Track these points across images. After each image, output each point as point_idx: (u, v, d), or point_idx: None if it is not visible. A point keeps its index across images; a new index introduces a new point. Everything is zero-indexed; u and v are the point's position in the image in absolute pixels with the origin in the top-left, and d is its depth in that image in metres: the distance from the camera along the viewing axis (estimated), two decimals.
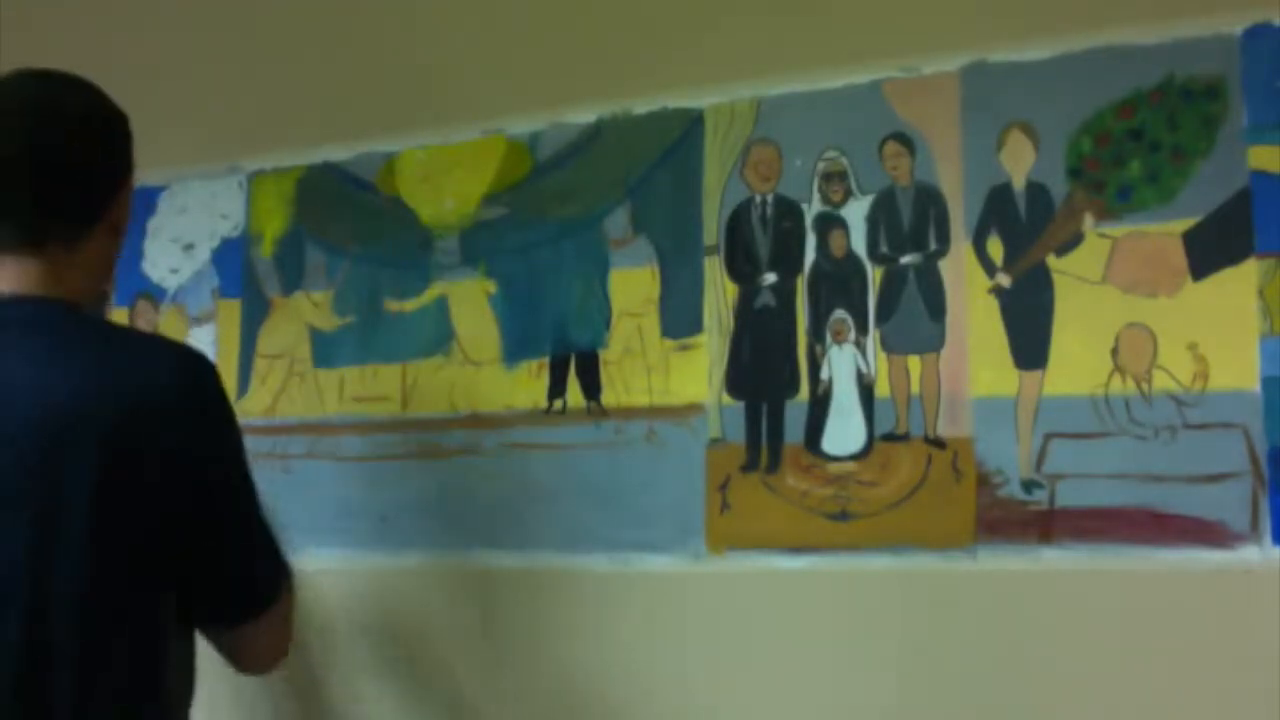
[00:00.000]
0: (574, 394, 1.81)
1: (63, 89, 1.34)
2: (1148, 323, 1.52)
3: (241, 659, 1.41)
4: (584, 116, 1.84)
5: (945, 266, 1.63)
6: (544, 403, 1.83)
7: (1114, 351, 1.53)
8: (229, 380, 1.96)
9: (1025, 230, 1.59)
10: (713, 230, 1.75)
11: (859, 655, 1.61)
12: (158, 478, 1.27)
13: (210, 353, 1.98)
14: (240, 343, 2.03)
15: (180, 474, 1.28)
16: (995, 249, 1.60)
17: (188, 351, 1.36)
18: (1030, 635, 1.54)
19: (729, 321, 1.73)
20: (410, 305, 1.92)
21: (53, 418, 1.24)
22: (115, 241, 1.40)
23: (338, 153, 2.00)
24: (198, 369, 1.34)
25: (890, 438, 1.63)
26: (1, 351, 1.28)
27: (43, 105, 1.31)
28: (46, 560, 1.23)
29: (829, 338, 1.67)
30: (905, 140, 1.66)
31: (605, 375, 1.79)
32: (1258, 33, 1.51)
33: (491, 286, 1.88)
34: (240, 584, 1.36)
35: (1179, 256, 1.52)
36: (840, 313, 1.67)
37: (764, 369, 1.70)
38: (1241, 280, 1.49)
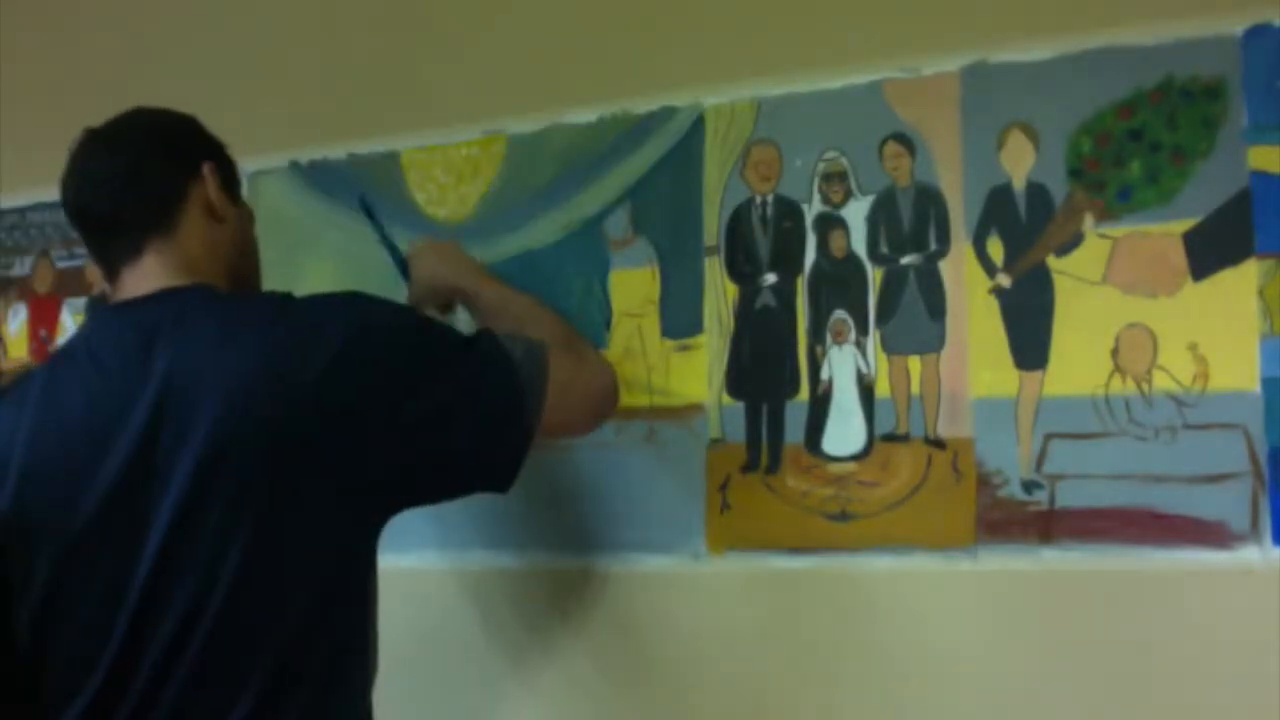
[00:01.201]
0: None
1: (108, 141, 1.45)
2: (1148, 323, 1.52)
3: (565, 433, 1.57)
4: (584, 116, 1.84)
5: (945, 267, 1.63)
6: None
7: (1114, 352, 1.53)
8: None
9: (1025, 231, 1.59)
10: (713, 230, 1.75)
11: (859, 656, 1.61)
12: (368, 434, 1.30)
13: None
14: None
15: (382, 417, 1.31)
16: (995, 249, 1.60)
17: (343, 297, 1.40)
18: (1030, 635, 1.54)
19: (729, 322, 1.73)
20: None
21: (245, 400, 1.27)
22: (221, 229, 1.46)
23: (337, 153, 2.00)
24: (357, 309, 1.37)
25: (890, 438, 1.63)
26: (166, 347, 1.31)
27: (87, 168, 1.44)
28: (265, 544, 1.26)
29: (829, 338, 1.67)
30: (905, 140, 1.66)
31: None
32: (1258, 33, 1.50)
33: None
34: (490, 453, 1.42)
35: (1179, 257, 1.52)
36: (840, 313, 1.67)
37: (764, 369, 1.70)
38: (1241, 280, 1.49)
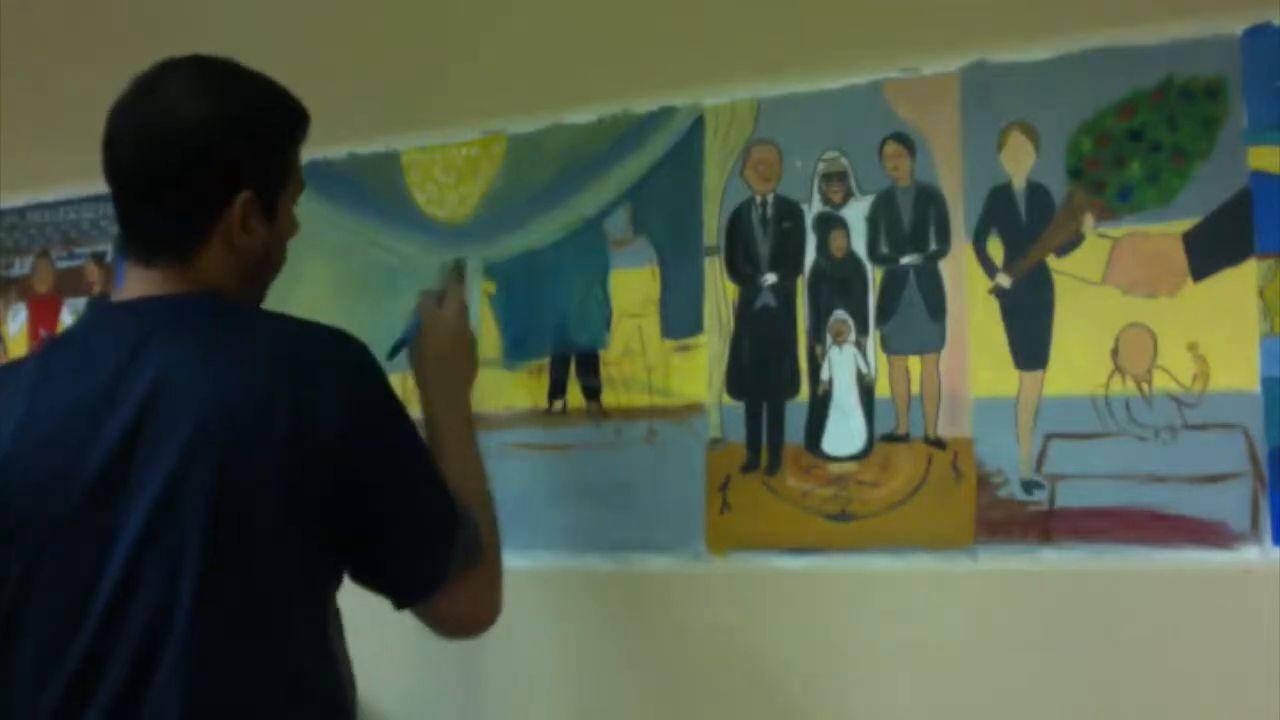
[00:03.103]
0: (574, 394, 1.81)
1: (186, 97, 1.34)
2: (1148, 323, 1.52)
3: (443, 628, 1.42)
4: (584, 116, 1.84)
5: (945, 267, 1.63)
6: (544, 403, 1.83)
7: (1114, 352, 1.53)
8: None
9: (1025, 230, 1.59)
10: (713, 230, 1.75)
11: (859, 656, 1.61)
12: (326, 468, 1.28)
13: None
14: None
15: (345, 461, 1.29)
16: (995, 249, 1.60)
17: (336, 333, 1.36)
18: (1030, 635, 1.54)
19: (729, 322, 1.73)
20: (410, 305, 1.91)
21: (224, 416, 1.25)
22: (246, 247, 1.38)
23: (337, 153, 2.00)
24: (350, 350, 1.35)
25: (890, 438, 1.63)
26: (159, 349, 1.29)
27: (153, 125, 1.34)
28: (224, 561, 1.24)
29: (829, 338, 1.67)
30: (905, 140, 1.66)
31: (605, 376, 1.79)
32: (1258, 33, 1.50)
33: (491, 287, 1.88)
34: (419, 557, 1.35)
35: (1179, 257, 1.52)
36: (840, 313, 1.67)
37: (764, 369, 1.70)
38: (1241, 280, 1.49)
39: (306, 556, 1.29)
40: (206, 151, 1.33)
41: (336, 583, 1.36)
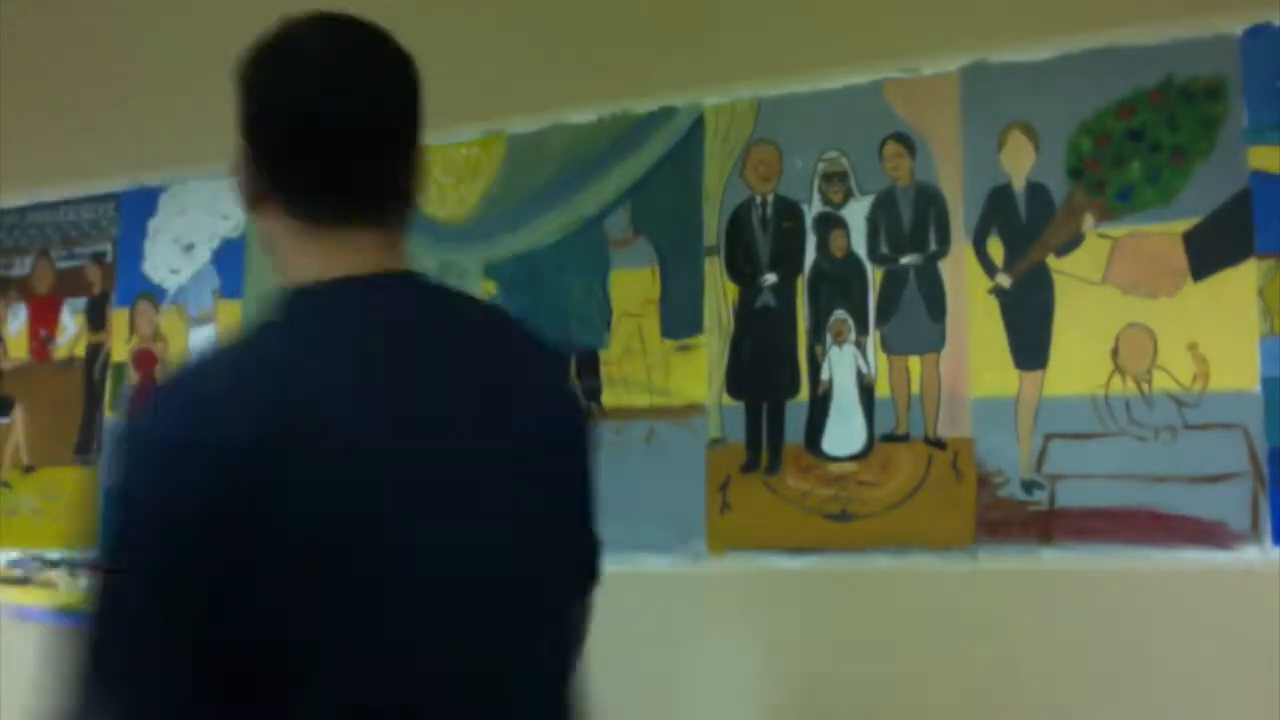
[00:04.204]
0: None
1: (391, 38, 1.17)
2: (1148, 323, 1.52)
3: None
4: (584, 116, 1.84)
5: (945, 267, 1.63)
6: None
7: (1114, 352, 1.53)
8: None
9: (1025, 231, 1.59)
10: (713, 231, 1.75)
11: (858, 655, 1.61)
12: (581, 473, 1.21)
13: None
14: None
15: (584, 459, 1.22)
16: (995, 249, 1.60)
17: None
18: (1030, 635, 1.54)
19: (729, 322, 1.73)
20: None
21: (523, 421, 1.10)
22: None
23: None
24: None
25: (890, 438, 1.63)
26: (443, 350, 1.08)
27: (396, 62, 1.16)
28: (538, 579, 1.12)
29: (829, 338, 1.67)
30: (905, 140, 1.66)
31: (605, 375, 1.79)
32: (1258, 33, 1.51)
33: (491, 287, 1.88)
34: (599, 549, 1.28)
35: (1179, 257, 1.52)
36: (840, 313, 1.67)
37: (764, 369, 1.70)
38: (1241, 280, 1.49)
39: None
40: (419, 95, 1.16)
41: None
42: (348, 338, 1.05)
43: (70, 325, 2.22)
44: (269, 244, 1.14)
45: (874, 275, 1.66)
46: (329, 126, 1.09)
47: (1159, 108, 1.54)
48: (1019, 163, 1.60)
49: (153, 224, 2.12)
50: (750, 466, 1.69)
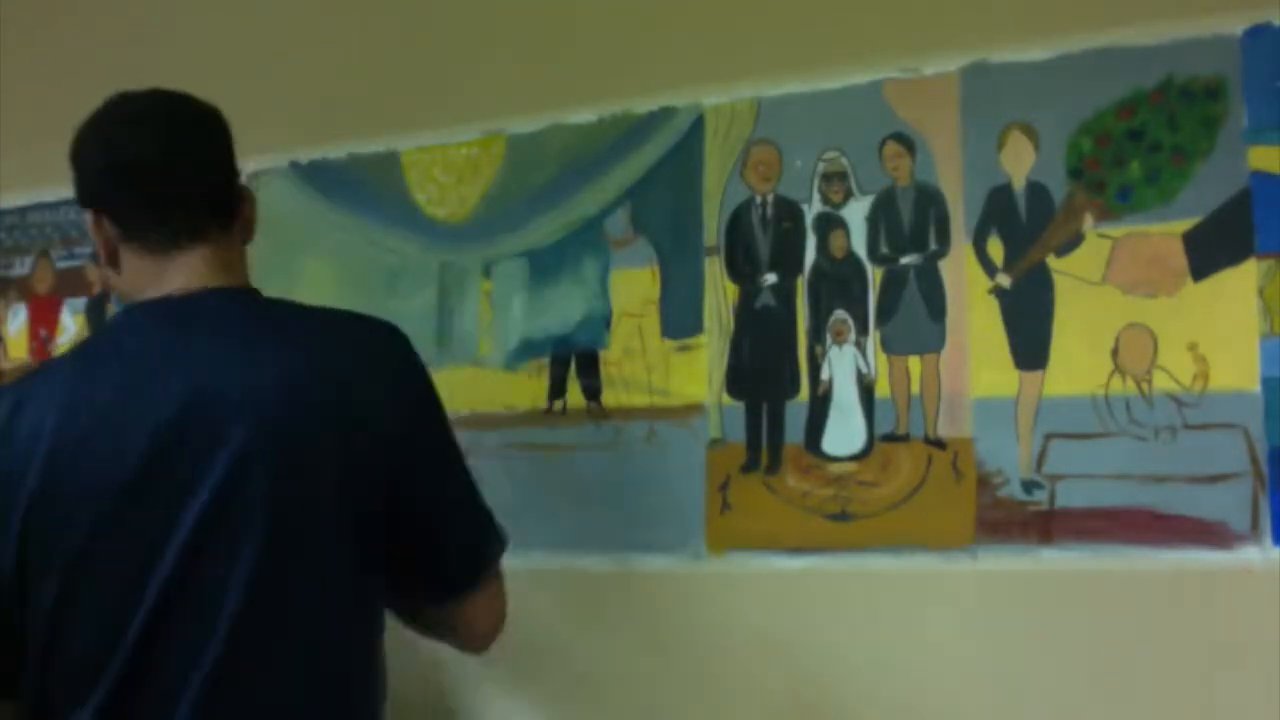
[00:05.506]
0: (574, 394, 1.81)
1: (178, 101, 1.40)
2: (1148, 323, 1.52)
3: (468, 633, 1.41)
4: (584, 116, 1.84)
5: (945, 267, 1.63)
6: (544, 403, 1.83)
7: (1114, 352, 1.54)
8: None
9: (1025, 230, 1.59)
10: (713, 230, 1.75)
11: (858, 656, 1.61)
12: (381, 458, 1.29)
13: None
14: None
15: (400, 449, 1.30)
16: (995, 249, 1.60)
17: (385, 324, 1.38)
18: (1030, 635, 1.54)
19: (729, 322, 1.73)
20: (410, 305, 1.92)
21: (274, 409, 1.25)
22: (248, 236, 1.44)
23: (337, 153, 2.00)
24: (399, 340, 1.37)
25: (890, 438, 1.63)
26: (202, 346, 1.29)
27: (171, 113, 1.38)
28: (283, 558, 1.24)
29: (829, 338, 1.67)
30: (905, 140, 1.66)
31: (605, 375, 1.79)
32: (1258, 33, 1.51)
33: (491, 287, 1.88)
34: (466, 549, 1.37)
35: (1179, 257, 1.52)
36: (840, 313, 1.67)
37: (764, 369, 1.70)
38: (1241, 280, 1.49)
39: (363, 552, 1.29)
40: (227, 135, 1.40)
41: (381, 584, 1.34)
42: (119, 352, 1.32)
43: (70, 325, 2.22)
44: (125, 291, 1.38)
45: (874, 275, 1.66)
46: (133, 162, 1.33)
47: (1159, 108, 1.54)
48: (1019, 163, 1.60)
49: None
50: (750, 466, 1.69)
